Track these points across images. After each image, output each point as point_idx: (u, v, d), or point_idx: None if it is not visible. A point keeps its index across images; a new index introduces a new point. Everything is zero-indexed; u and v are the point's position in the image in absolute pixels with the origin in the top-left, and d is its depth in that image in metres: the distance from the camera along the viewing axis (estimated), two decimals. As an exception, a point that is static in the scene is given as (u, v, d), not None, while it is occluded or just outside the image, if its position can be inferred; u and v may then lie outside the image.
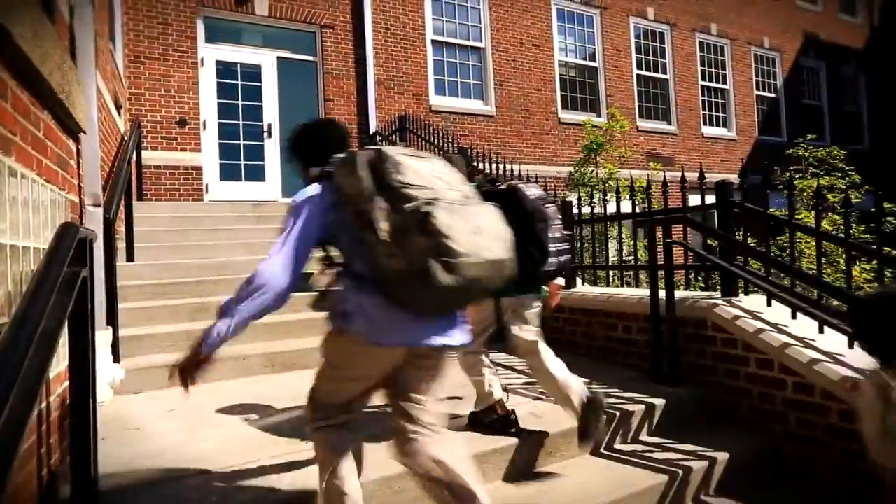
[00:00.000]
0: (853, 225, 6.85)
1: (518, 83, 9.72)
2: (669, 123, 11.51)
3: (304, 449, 2.30)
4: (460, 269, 1.40)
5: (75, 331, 1.53)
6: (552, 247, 2.22)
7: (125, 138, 5.37)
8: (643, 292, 3.47)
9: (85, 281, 1.55)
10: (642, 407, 2.74)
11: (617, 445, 2.62)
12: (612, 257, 5.95)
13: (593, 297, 3.83)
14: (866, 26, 14.94)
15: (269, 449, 2.29)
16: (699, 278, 5.72)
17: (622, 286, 4.41)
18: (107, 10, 5.10)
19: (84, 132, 2.40)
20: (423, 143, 6.71)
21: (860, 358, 2.48)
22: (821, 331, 2.66)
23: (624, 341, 3.56)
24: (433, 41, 9.07)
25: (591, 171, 8.34)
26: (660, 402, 2.80)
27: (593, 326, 3.79)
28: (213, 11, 7.56)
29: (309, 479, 2.04)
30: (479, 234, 1.46)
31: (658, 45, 11.52)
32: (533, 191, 2.33)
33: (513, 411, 2.48)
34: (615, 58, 10.81)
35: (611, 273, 5.32)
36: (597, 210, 4.21)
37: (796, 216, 5.99)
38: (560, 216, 2.48)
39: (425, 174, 1.50)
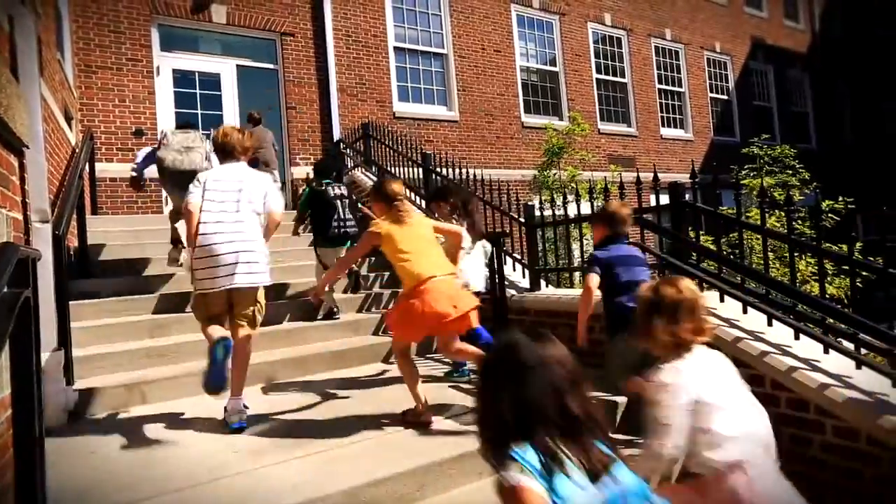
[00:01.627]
0: (800, 221, 7.19)
1: (481, 88, 9.82)
2: (629, 126, 11.83)
3: (267, 464, 2.27)
4: (166, 158, 4.09)
5: (18, 354, 1.47)
6: (334, 223, 4.44)
7: (76, 151, 5.18)
8: (604, 292, 3.56)
9: (27, 302, 1.49)
10: (603, 405, 2.80)
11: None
12: (578, 259, 6.07)
13: (556, 298, 3.90)
14: (808, 31, 15.74)
15: (226, 468, 2.25)
16: (661, 277, 5.89)
17: (585, 287, 4.50)
18: (53, 18, 4.92)
19: (27, 146, 2.31)
20: (387, 149, 6.70)
21: (807, 348, 2.62)
22: (769, 324, 2.78)
23: (587, 341, 3.62)
24: (395, 48, 9.08)
25: (554, 175, 8.49)
26: (622, 399, 2.87)
27: (558, 328, 3.85)
28: (168, 19, 7.38)
29: (282, 498, 2.01)
30: (182, 153, 4.14)
31: (616, 49, 11.85)
32: (336, 191, 4.55)
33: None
34: (575, 62, 11.05)
35: (576, 274, 5.42)
36: (559, 213, 4.29)
37: (747, 214, 6.22)
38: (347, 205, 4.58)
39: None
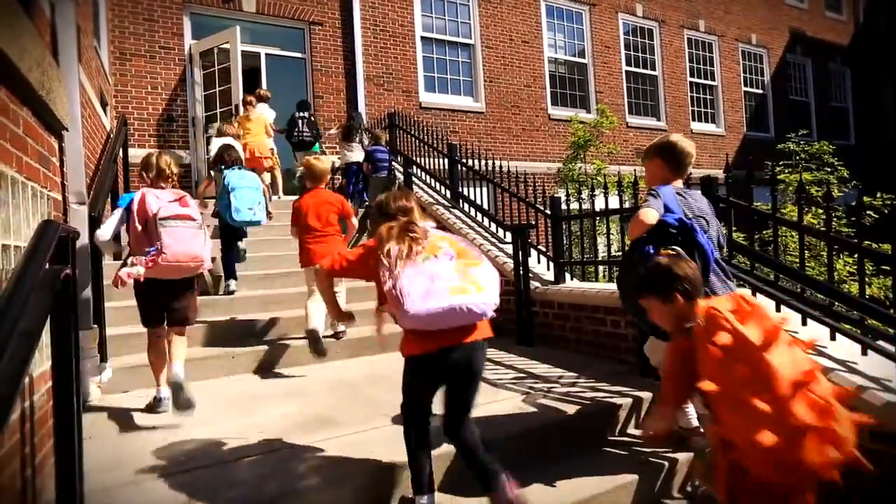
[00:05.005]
0: (836, 219, 6.94)
1: (508, 80, 9.73)
2: (658, 120, 11.58)
3: (290, 445, 2.30)
4: None
5: (58, 329, 1.52)
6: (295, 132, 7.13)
7: (111, 136, 5.31)
8: (631, 287, 3.50)
9: (67, 279, 1.54)
10: (629, 401, 2.76)
11: (606, 438, 2.65)
12: (603, 253, 5.99)
13: (581, 292, 3.85)
14: (851, 23, 15.11)
15: (256, 447, 2.29)
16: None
17: (610, 281, 4.44)
18: (90, 6, 5.04)
19: (66, 129, 2.38)
20: (413, 140, 6.69)
21: (844, 349, 2.53)
22: (804, 323, 2.69)
23: (612, 336, 3.58)
24: (422, 38, 9.05)
25: (579, 168, 8.38)
26: (647, 395, 2.82)
27: (582, 321, 3.81)
28: (200, 8, 7.49)
29: (293, 480, 2.04)
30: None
31: (647, 41, 11.58)
32: (298, 114, 7.19)
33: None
34: (604, 54, 10.85)
35: (601, 268, 5.35)
36: (585, 206, 4.23)
37: (783, 210, 6.03)
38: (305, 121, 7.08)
39: None
